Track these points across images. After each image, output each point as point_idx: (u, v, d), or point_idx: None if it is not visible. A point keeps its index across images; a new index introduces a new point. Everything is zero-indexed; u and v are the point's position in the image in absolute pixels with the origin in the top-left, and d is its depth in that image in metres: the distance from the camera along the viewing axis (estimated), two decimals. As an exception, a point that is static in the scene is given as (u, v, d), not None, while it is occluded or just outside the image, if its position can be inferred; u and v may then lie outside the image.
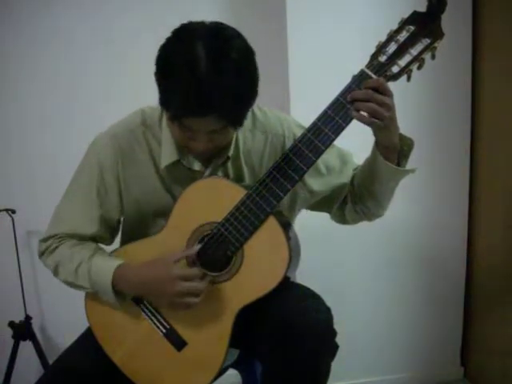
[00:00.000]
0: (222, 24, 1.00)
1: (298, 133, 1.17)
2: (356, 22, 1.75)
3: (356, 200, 1.23)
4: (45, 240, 1.20)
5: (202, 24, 0.99)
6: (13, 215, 1.82)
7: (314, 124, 1.04)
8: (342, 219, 1.30)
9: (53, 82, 1.91)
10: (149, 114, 1.18)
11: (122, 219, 1.25)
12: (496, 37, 1.76)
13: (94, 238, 1.21)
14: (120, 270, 1.11)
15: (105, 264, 1.13)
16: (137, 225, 1.21)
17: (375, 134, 1.08)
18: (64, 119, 1.92)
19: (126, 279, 1.10)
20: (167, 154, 1.14)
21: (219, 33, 0.97)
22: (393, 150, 1.10)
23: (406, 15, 1.01)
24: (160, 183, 1.17)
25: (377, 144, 1.11)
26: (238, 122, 1.02)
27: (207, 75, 0.93)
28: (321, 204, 1.27)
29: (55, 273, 1.18)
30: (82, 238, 1.19)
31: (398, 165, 1.12)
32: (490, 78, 1.81)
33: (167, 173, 1.16)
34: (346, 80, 1.05)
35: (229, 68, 0.94)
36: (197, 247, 1.09)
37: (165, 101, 1.00)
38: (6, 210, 1.82)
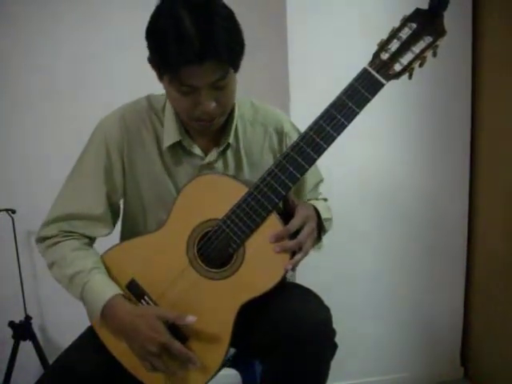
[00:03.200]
0: None
1: (294, 134, 1.23)
2: (356, 20, 1.75)
3: None
4: (48, 224, 1.18)
5: None
6: (13, 215, 1.82)
7: (316, 122, 1.04)
8: None
9: (54, 82, 1.91)
10: (154, 99, 1.21)
11: (122, 206, 1.24)
12: (496, 35, 1.76)
13: (99, 222, 1.19)
14: (110, 306, 1.08)
15: (100, 288, 1.10)
16: (136, 217, 1.21)
17: None
18: (64, 120, 1.93)
19: (115, 316, 1.08)
20: (169, 135, 1.16)
21: None
22: None
23: (407, 13, 1.01)
24: (162, 166, 1.18)
25: None
26: (235, 63, 1.03)
27: (196, 25, 0.96)
28: None
29: (49, 267, 1.17)
30: (90, 239, 1.18)
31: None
32: (490, 76, 1.81)
33: (168, 155, 1.17)
34: (345, 79, 1.05)
35: (215, 19, 0.98)
36: (190, 318, 1.04)
37: (161, 62, 1.01)
38: (6, 210, 1.82)
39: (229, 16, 1.02)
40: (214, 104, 1.04)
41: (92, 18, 1.90)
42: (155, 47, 1.02)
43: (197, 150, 1.17)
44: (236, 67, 1.05)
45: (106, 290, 1.10)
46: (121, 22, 1.90)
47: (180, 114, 1.12)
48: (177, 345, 1.03)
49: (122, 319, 1.07)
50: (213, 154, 1.17)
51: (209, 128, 1.11)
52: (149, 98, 1.21)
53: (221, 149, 1.17)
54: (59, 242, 1.16)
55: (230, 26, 1.00)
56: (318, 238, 1.19)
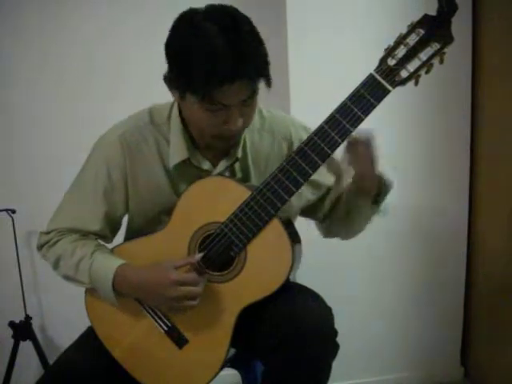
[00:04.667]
0: (220, 4, 1.02)
1: (304, 136, 1.18)
2: (357, 22, 1.75)
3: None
4: (46, 233, 1.19)
5: (200, 9, 1.01)
6: (13, 215, 1.82)
7: (321, 127, 1.03)
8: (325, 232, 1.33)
9: (56, 82, 1.91)
10: (157, 112, 1.17)
11: (126, 216, 1.24)
12: (496, 35, 1.76)
13: (96, 235, 1.20)
14: (121, 270, 1.10)
15: (106, 262, 1.12)
16: (141, 222, 1.21)
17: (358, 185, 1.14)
18: (66, 120, 1.92)
19: (126, 280, 1.10)
20: (176, 153, 1.13)
21: (223, 10, 1.01)
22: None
23: (409, 18, 1.00)
24: (167, 182, 1.16)
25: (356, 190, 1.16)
26: (267, 76, 1.02)
27: (227, 44, 0.95)
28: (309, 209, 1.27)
29: (55, 266, 1.17)
30: (84, 234, 1.18)
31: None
32: (489, 75, 1.81)
33: (175, 172, 1.15)
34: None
35: (243, 36, 0.97)
36: (199, 256, 1.08)
37: (190, 82, 0.98)
38: (6, 210, 1.82)
39: (255, 31, 1.01)
40: (241, 121, 1.03)
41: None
42: (180, 67, 0.99)
43: (206, 165, 1.15)
44: (269, 80, 1.02)
45: (110, 263, 1.11)
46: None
47: (199, 132, 1.10)
48: (186, 275, 1.06)
49: (135, 281, 1.09)
50: (221, 166, 1.15)
51: (228, 145, 1.11)
52: (151, 112, 1.17)
53: (229, 163, 1.15)
54: (58, 240, 1.17)
55: (256, 41, 1.00)
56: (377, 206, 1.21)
